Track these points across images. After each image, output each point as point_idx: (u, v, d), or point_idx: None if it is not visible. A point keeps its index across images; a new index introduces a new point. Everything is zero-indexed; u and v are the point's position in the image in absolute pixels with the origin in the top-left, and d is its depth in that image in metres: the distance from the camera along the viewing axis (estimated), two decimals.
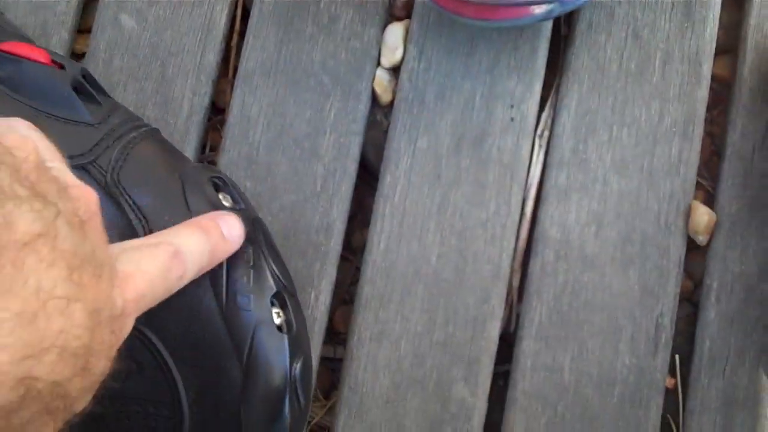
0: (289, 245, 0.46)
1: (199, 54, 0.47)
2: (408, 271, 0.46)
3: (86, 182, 0.35)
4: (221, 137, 0.48)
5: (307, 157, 0.47)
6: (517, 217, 0.46)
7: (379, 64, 0.48)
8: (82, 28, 0.49)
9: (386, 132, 0.48)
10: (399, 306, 0.45)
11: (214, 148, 0.50)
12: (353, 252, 0.50)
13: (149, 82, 0.47)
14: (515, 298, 0.47)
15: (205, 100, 0.47)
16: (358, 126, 0.47)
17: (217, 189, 0.41)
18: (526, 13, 0.44)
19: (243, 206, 0.41)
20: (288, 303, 0.39)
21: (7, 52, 0.40)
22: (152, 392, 0.37)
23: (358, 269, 0.49)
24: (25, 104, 0.38)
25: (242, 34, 0.49)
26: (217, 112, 0.49)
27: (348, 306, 0.49)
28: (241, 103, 0.47)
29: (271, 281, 0.39)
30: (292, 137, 0.47)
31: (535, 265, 0.46)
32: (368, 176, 0.48)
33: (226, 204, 0.40)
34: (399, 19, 0.48)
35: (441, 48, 0.48)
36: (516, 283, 0.47)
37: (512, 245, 0.46)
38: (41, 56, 0.40)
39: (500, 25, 0.46)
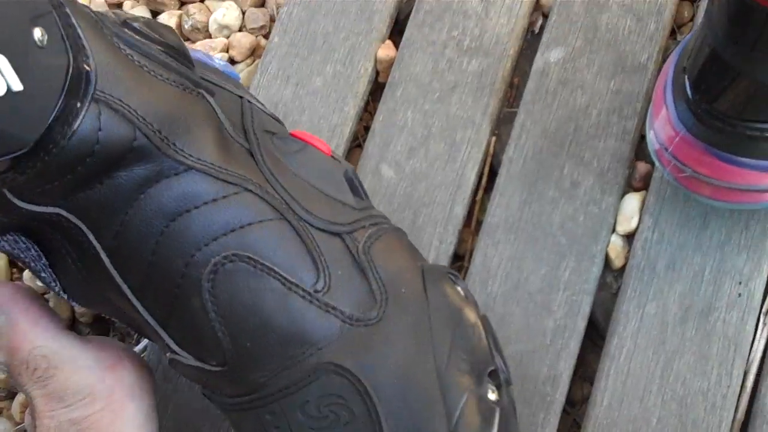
0: (516, 393, 0.49)
1: (448, 206, 0.52)
2: (627, 430, 0.48)
3: (337, 249, 0.41)
4: None
5: (540, 311, 0.50)
6: (737, 389, 0.48)
7: (614, 230, 0.51)
8: None
9: (615, 294, 0.51)
10: None
11: None
12: (572, 404, 0.52)
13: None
14: None
15: (450, 249, 0.52)
16: (590, 286, 0.50)
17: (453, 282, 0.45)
18: (762, 198, 0.47)
19: (474, 300, 0.45)
20: (503, 387, 0.42)
21: (300, 138, 0.46)
22: None
23: (575, 421, 0.52)
24: (301, 178, 0.43)
25: (487, 190, 0.53)
26: (455, 259, 0.53)
27: None
28: (483, 254, 0.51)
29: (491, 359, 0.42)
30: (527, 291, 0.51)
31: None
32: (594, 334, 0.52)
33: (461, 292, 0.44)
34: (637, 189, 0.52)
35: (675, 221, 0.51)
36: None
37: (731, 416, 0.48)
38: (324, 147, 0.46)
39: (735, 207, 0.49)
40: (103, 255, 0.39)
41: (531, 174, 0.52)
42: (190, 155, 0.39)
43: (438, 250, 0.52)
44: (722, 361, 0.49)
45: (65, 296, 0.43)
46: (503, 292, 0.51)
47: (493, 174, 0.53)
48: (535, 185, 0.52)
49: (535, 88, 0.53)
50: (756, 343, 0.49)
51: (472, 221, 0.54)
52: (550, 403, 0.49)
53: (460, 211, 0.52)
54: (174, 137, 0.39)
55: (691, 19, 0.56)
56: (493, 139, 0.54)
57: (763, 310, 0.50)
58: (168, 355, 0.42)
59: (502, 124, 0.55)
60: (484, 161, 0.53)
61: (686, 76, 0.44)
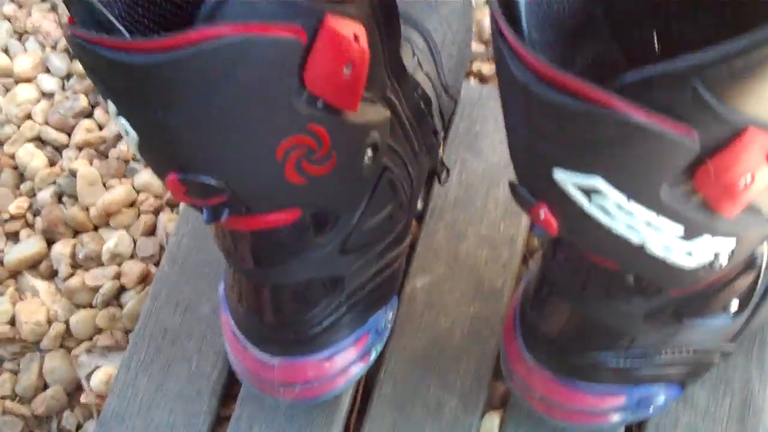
0: None
1: (326, 428, 0.56)
2: None
3: None
4: None
5: None
6: None
7: None
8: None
9: None
10: None
11: None
12: None
13: None
14: None
15: None
16: None
17: None
18: (604, 420, 0.53)
19: None
20: None
21: None
22: None
23: None
24: None
25: (360, 412, 0.58)
26: None
27: None
28: None
29: None
30: None
31: None
32: None
33: None
34: (495, 408, 0.57)
35: None
36: None
37: None
38: None
39: (584, 429, 0.55)
40: None
41: (400, 396, 0.57)
42: None
43: None
44: None
45: None
46: None
47: (366, 396, 0.58)
48: (404, 407, 0.57)
49: (405, 313, 0.59)
50: None
51: None
52: None
53: None
54: None
55: (542, 246, 0.63)
56: None
57: None
58: None
59: None
60: (357, 385, 0.58)
61: (529, 310, 0.50)
